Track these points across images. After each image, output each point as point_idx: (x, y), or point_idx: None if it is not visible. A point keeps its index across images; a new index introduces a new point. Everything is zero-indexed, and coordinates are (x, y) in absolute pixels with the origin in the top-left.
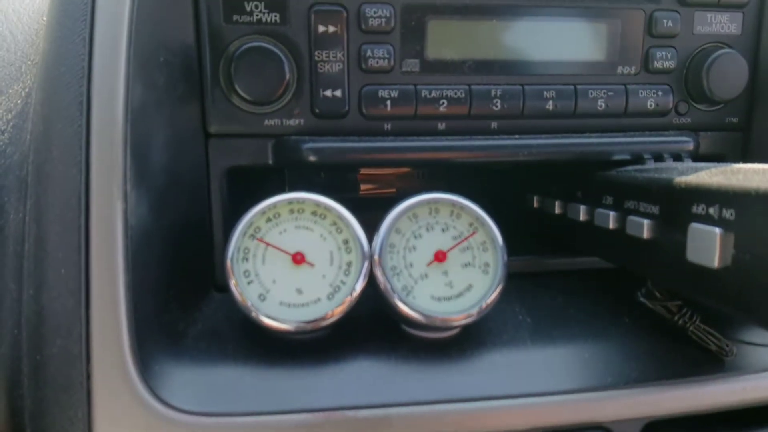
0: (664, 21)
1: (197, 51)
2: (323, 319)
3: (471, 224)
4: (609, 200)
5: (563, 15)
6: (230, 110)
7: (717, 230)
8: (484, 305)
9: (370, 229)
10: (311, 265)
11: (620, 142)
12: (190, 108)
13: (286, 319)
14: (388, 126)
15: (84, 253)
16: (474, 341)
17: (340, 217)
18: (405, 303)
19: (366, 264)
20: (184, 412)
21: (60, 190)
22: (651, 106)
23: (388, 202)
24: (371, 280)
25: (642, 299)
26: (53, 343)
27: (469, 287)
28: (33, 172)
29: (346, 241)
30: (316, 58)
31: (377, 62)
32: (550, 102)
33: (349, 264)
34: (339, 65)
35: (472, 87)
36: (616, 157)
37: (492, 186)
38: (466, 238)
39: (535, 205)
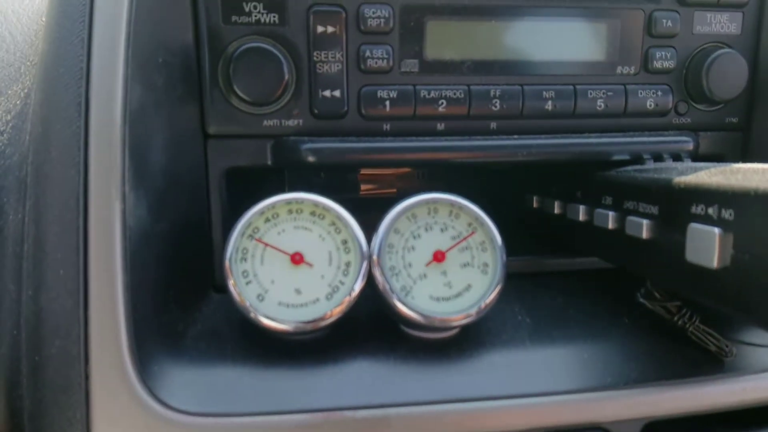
0: (664, 21)
1: (196, 52)
2: (322, 319)
3: (470, 224)
4: (608, 200)
5: (562, 15)
6: (229, 111)
7: (716, 230)
8: (483, 305)
9: (370, 230)
10: (310, 265)
11: (620, 142)
12: (189, 109)
13: (285, 320)
14: (387, 126)
15: (82, 253)
16: (473, 341)
17: (339, 218)
18: (404, 303)
19: (365, 264)
20: (183, 412)
21: (58, 191)
22: (650, 106)
23: (387, 203)
24: (370, 280)
25: (641, 300)
26: (52, 344)
27: (468, 287)
28: (32, 173)
29: (344, 242)
30: (314, 58)
31: (376, 63)
32: (550, 102)
33: (347, 264)
34: (338, 66)
35: (471, 87)
36: (616, 158)
37: (492, 186)
38: (465, 238)
39: (535, 205)
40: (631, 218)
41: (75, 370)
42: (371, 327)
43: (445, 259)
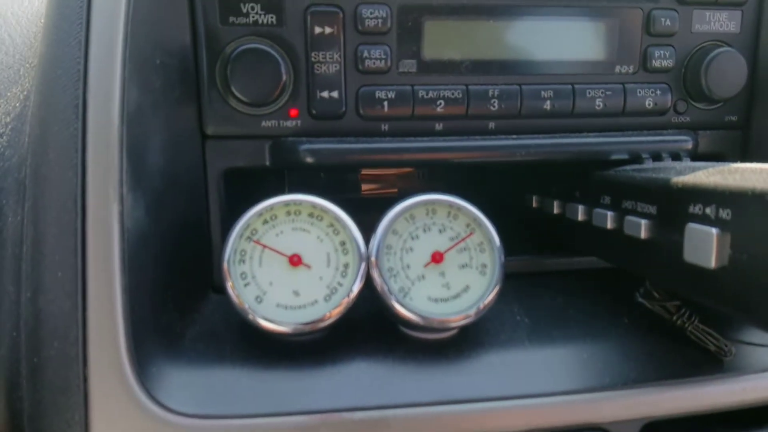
0: (662, 19)
1: (193, 53)
2: (320, 320)
3: (468, 225)
4: (607, 200)
5: (560, 14)
6: (227, 112)
7: (714, 230)
8: (481, 306)
9: (368, 231)
10: (308, 266)
11: (618, 141)
12: (187, 110)
13: (283, 321)
14: (385, 127)
15: (81, 255)
16: (472, 342)
17: (337, 219)
18: (402, 304)
19: (363, 265)
20: (181, 414)
21: (56, 192)
22: (649, 105)
23: (386, 203)
24: (368, 281)
25: (640, 299)
26: (50, 346)
27: (467, 288)
28: (30, 174)
29: (343, 243)
30: (312, 59)
31: (374, 63)
32: (548, 102)
33: (346, 265)
34: (335, 66)
35: (470, 87)
36: (615, 157)
37: (491, 186)
38: (463, 239)
39: (534, 205)
40: (630, 218)
41: (73, 371)
42: (370, 328)
43: (444, 260)
